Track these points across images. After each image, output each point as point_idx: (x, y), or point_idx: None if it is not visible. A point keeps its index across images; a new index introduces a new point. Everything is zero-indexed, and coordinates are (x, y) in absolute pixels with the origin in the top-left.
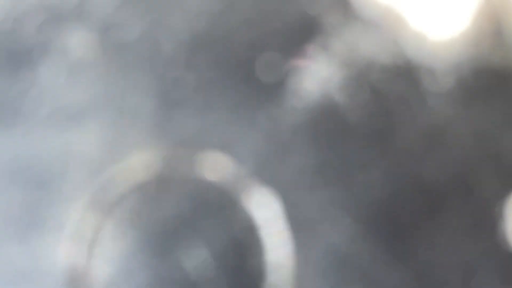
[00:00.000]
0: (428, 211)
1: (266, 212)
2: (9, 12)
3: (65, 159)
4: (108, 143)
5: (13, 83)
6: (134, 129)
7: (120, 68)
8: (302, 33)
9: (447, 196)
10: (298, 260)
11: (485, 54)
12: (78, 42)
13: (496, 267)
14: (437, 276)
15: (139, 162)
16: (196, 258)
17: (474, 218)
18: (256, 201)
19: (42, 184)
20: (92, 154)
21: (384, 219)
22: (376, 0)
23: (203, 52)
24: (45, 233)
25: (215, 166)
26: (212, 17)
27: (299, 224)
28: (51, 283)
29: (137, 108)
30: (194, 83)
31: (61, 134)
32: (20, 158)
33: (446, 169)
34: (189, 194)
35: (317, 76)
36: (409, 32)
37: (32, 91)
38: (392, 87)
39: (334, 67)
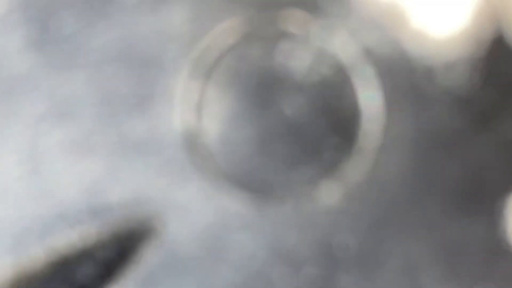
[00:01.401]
0: None
1: (351, 52)
2: None
3: (161, 37)
4: (197, 17)
5: None
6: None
7: None
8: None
9: None
10: (386, 96)
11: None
12: None
13: (496, 267)
14: None
15: (228, 27)
16: (294, 103)
17: None
18: (340, 43)
19: (146, 62)
20: (184, 28)
21: None
22: None
23: None
24: (156, 104)
25: (299, 22)
26: None
27: (384, 63)
28: (169, 148)
29: None
30: None
31: (151, 17)
32: (119, 41)
33: None
34: (278, 48)
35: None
36: (408, 29)
37: None
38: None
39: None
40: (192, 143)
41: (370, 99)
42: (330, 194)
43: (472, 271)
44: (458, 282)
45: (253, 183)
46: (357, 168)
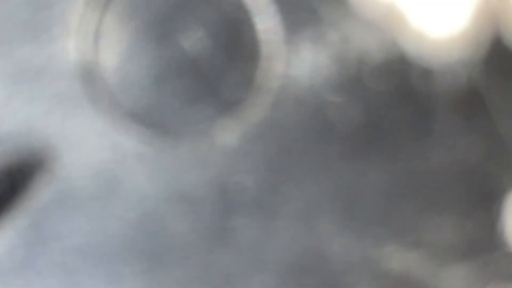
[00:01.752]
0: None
1: None
2: None
3: None
4: None
5: None
6: None
7: None
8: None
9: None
10: (287, 34)
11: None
12: None
13: (496, 266)
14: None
15: None
16: (194, 38)
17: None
18: None
19: None
20: None
21: None
22: None
23: None
24: (52, 33)
25: None
26: None
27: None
28: (64, 79)
29: None
30: None
31: None
32: None
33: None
34: None
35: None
36: (407, 30)
37: None
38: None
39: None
40: (88, 75)
41: (271, 37)
42: (228, 133)
43: (369, 216)
44: (355, 226)
45: (150, 119)
46: (256, 107)
